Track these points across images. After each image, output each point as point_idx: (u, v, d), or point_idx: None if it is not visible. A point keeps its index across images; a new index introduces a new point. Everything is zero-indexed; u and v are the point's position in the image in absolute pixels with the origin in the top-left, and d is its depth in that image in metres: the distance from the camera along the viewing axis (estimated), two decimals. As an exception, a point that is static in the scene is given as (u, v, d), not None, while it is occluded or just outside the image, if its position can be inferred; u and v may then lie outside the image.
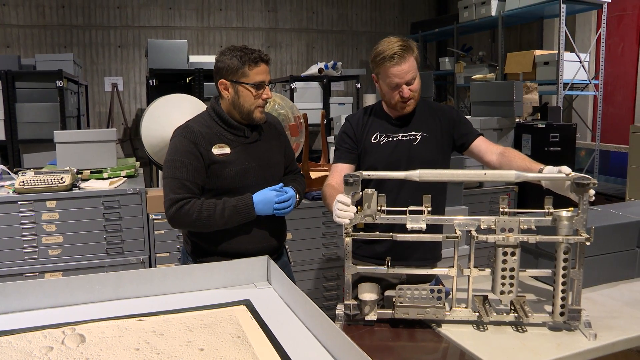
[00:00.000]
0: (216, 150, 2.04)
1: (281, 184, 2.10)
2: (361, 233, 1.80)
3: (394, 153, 2.15)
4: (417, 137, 2.17)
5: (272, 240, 2.17)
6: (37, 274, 3.15)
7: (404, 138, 2.17)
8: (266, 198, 2.03)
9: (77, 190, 3.23)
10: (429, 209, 1.73)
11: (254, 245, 2.09)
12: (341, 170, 2.15)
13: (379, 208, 1.74)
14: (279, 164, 2.23)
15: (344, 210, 1.73)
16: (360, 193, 1.75)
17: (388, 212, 1.74)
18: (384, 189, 1.83)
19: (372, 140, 2.18)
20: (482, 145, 2.18)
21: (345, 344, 1.24)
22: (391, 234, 1.76)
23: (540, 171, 1.88)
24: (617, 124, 6.53)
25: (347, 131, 2.23)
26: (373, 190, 1.74)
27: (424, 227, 1.72)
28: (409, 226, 1.72)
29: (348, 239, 1.75)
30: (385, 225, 1.79)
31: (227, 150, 2.06)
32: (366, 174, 1.78)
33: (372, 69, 2.14)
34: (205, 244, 2.11)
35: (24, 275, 3.13)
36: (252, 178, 2.08)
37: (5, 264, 3.13)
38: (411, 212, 1.73)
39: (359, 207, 1.75)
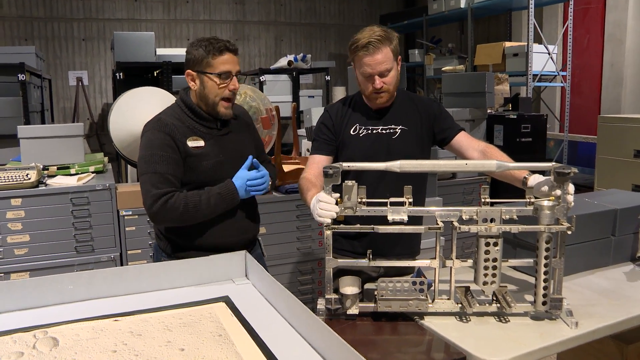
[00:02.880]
0: (191, 143, 1.99)
1: (251, 157, 2.07)
2: (342, 226, 1.76)
3: (373, 146, 2.10)
4: (397, 130, 2.12)
5: (248, 232, 2.14)
6: (2, 274, 3.03)
7: (384, 131, 2.12)
8: (242, 180, 2.02)
9: (44, 187, 3.12)
10: (410, 200, 1.70)
11: (230, 239, 2.05)
12: (319, 162, 2.10)
13: (359, 200, 1.71)
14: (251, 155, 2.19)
15: (326, 209, 1.68)
16: (339, 194, 1.71)
17: (369, 204, 1.71)
18: (363, 182, 1.77)
19: (351, 132, 2.13)
20: (463, 141, 2.13)
21: (330, 339, 1.21)
22: (372, 225, 1.73)
23: (525, 179, 1.86)
24: (584, 115, 6.66)
25: (326, 122, 2.17)
26: (353, 181, 1.70)
27: (406, 218, 1.69)
28: (390, 218, 1.69)
29: (328, 232, 1.71)
30: (365, 219, 1.76)
31: (201, 143, 2.01)
32: (346, 165, 1.73)
33: (349, 56, 2.08)
34: (182, 240, 2.06)
35: (-12, 276, 3.01)
36: (226, 170, 2.04)
37: (-32, 264, 3.00)
38: (392, 204, 1.70)
39: (338, 200, 1.71)
